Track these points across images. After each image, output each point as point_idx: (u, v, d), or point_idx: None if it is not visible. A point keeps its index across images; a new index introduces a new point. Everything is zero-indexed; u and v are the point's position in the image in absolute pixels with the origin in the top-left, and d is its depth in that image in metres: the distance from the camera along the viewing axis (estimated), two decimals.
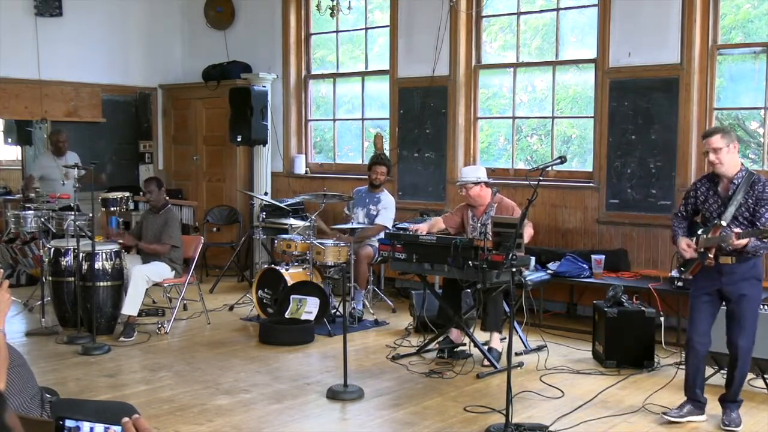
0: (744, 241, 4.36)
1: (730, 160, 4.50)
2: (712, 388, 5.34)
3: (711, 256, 4.49)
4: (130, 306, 6.62)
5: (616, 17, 7.22)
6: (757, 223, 4.44)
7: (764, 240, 4.38)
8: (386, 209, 7.66)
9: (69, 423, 1.72)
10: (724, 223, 4.42)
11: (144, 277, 6.72)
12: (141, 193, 7.23)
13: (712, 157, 4.53)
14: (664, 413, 4.75)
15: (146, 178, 7.54)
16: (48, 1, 9.31)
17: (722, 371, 5.46)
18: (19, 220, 7.39)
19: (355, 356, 6.04)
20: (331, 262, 7.11)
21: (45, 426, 1.90)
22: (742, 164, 4.60)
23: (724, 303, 4.66)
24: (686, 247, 4.62)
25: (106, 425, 1.70)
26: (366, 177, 7.91)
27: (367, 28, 9.26)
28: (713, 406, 4.80)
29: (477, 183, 6.15)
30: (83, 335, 6.46)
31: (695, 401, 4.74)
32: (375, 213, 7.68)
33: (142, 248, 7.11)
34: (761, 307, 5.29)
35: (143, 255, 7.19)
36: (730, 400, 4.69)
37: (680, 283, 6.06)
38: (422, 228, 6.20)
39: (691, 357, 4.72)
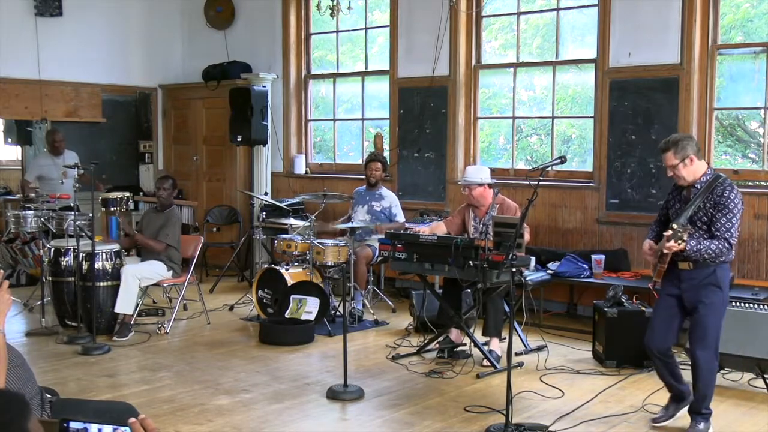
0: (674, 244, 4.15)
1: (688, 173, 4.36)
2: None
3: (663, 263, 4.36)
4: (123, 304, 6.59)
5: (616, 17, 7.22)
6: (712, 228, 4.28)
7: (706, 245, 4.22)
8: (397, 206, 7.79)
9: (75, 425, 1.72)
10: (674, 226, 4.22)
11: (134, 275, 6.67)
12: (155, 189, 7.22)
13: (669, 172, 4.44)
14: (653, 419, 4.68)
15: (162, 176, 7.54)
16: (48, 1, 9.31)
17: (722, 371, 5.48)
18: (19, 220, 7.39)
19: (355, 356, 6.04)
20: (331, 262, 7.11)
21: (48, 426, 1.90)
22: (708, 167, 4.44)
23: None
24: (647, 249, 4.52)
25: (115, 426, 1.70)
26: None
27: (367, 28, 9.26)
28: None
29: (480, 185, 6.16)
30: (83, 335, 6.46)
31: (676, 395, 4.66)
32: (379, 209, 7.70)
33: (137, 240, 7.08)
34: (759, 306, 5.30)
35: (142, 255, 7.18)
36: (694, 410, 4.51)
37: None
38: (424, 230, 6.22)
39: (653, 360, 4.68)
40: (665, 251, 4.28)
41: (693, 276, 4.38)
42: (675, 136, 4.48)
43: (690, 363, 5.57)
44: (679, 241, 4.15)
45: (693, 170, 4.37)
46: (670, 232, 4.20)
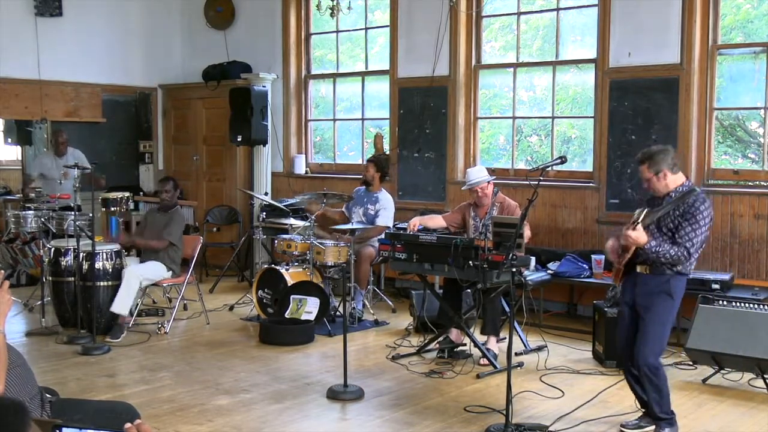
0: (631, 233, 4.17)
1: (662, 186, 4.36)
2: (711, 388, 5.36)
3: (622, 259, 4.35)
4: (120, 305, 6.58)
5: (616, 17, 7.22)
6: (675, 236, 4.26)
7: (666, 248, 4.21)
8: (385, 209, 7.67)
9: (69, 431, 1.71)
10: (638, 211, 4.25)
11: (137, 276, 6.67)
12: (157, 191, 7.22)
13: (644, 184, 4.46)
14: (623, 424, 4.65)
15: (163, 177, 7.56)
16: (48, 1, 9.31)
17: (722, 371, 5.48)
18: (19, 220, 7.39)
19: (355, 356, 6.04)
20: (331, 262, 7.11)
21: (45, 426, 1.90)
22: (687, 179, 4.43)
23: None
24: (610, 246, 4.49)
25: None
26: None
27: (367, 28, 9.26)
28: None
29: (489, 182, 6.22)
30: (83, 335, 6.46)
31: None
32: (373, 213, 7.69)
33: (137, 244, 7.09)
34: (759, 306, 5.30)
35: (142, 255, 7.18)
36: (654, 417, 4.49)
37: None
38: (414, 221, 6.22)
39: (625, 376, 4.63)
40: (624, 242, 4.28)
41: (647, 281, 4.38)
42: (652, 149, 4.44)
43: (690, 362, 5.61)
44: (636, 224, 4.16)
45: (666, 183, 4.37)
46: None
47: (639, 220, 4.22)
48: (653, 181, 4.38)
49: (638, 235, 4.21)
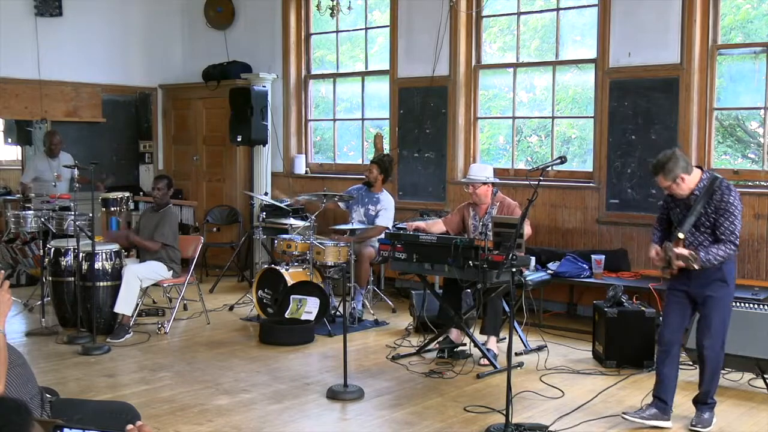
0: (683, 264, 4.35)
1: (682, 189, 4.47)
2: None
3: (673, 268, 4.46)
4: (123, 305, 6.58)
5: (616, 17, 7.23)
6: (717, 232, 4.42)
7: (714, 253, 4.36)
8: (386, 210, 7.67)
9: None
10: (681, 236, 4.41)
11: (135, 275, 6.67)
12: (151, 189, 7.21)
13: (665, 191, 4.59)
14: (625, 412, 4.68)
15: (158, 175, 7.53)
16: (48, 1, 9.31)
17: (722, 371, 5.47)
18: (19, 220, 7.39)
19: (355, 356, 6.04)
20: (331, 262, 7.11)
21: (46, 426, 1.90)
22: (702, 172, 4.51)
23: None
24: (654, 255, 4.62)
25: None
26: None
27: (367, 28, 9.26)
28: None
29: (485, 183, 6.19)
30: (83, 335, 6.46)
31: (661, 401, 4.63)
32: (374, 213, 7.69)
33: (133, 241, 7.08)
34: (759, 306, 5.30)
35: (141, 255, 7.18)
36: (701, 401, 4.64)
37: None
38: (419, 225, 6.22)
39: (660, 355, 4.69)
40: (675, 264, 4.41)
41: (700, 274, 4.50)
42: (661, 159, 4.49)
43: (689, 363, 5.61)
44: (693, 265, 4.35)
45: (686, 185, 4.47)
46: (683, 252, 4.34)
47: (696, 267, 4.35)
48: (673, 188, 4.49)
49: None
